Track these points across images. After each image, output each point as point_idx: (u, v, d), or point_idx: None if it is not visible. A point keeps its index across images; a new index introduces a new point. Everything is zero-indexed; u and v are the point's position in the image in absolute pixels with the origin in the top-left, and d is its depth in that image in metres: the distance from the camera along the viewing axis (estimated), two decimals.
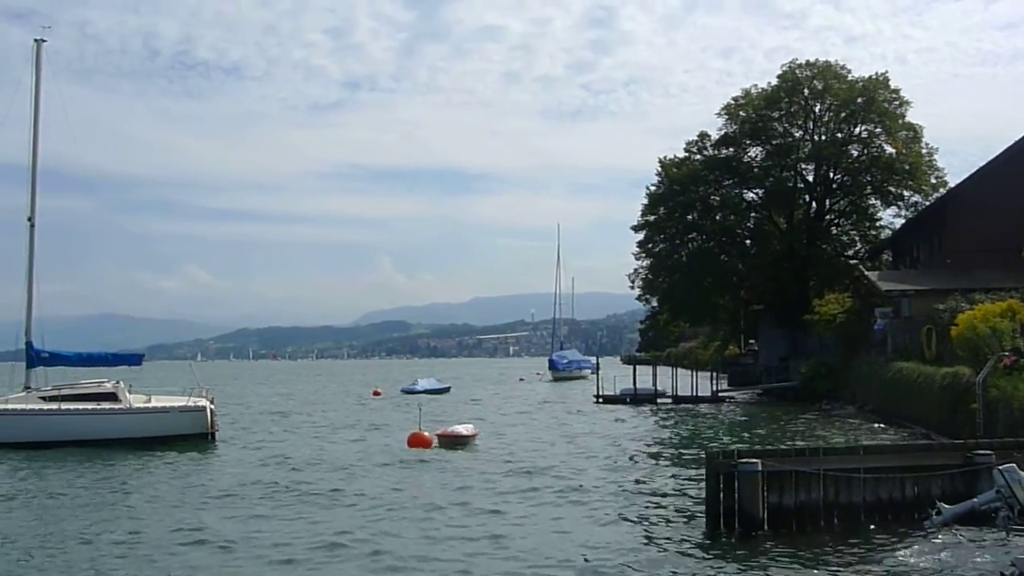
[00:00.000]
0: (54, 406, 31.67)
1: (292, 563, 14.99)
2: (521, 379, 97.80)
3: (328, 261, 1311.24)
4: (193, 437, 32.29)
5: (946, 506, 15.76)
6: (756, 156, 62.31)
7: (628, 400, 53.04)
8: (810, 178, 61.66)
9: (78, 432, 31.10)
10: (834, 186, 61.29)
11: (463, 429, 32.48)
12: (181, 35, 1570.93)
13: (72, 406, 31.74)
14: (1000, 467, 15.15)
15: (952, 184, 53.00)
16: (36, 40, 34.20)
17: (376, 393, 69.60)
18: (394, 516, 18.81)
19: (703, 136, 63.08)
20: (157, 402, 33.94)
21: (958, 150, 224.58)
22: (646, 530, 17.17)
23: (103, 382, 33.46)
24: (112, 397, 32.45)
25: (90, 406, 31.98)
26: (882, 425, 34.80)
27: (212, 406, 33.86)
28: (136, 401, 33.20)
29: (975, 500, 15.71)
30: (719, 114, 62.06)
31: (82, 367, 35.77)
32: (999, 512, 15.06)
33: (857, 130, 59.87)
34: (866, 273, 50.85)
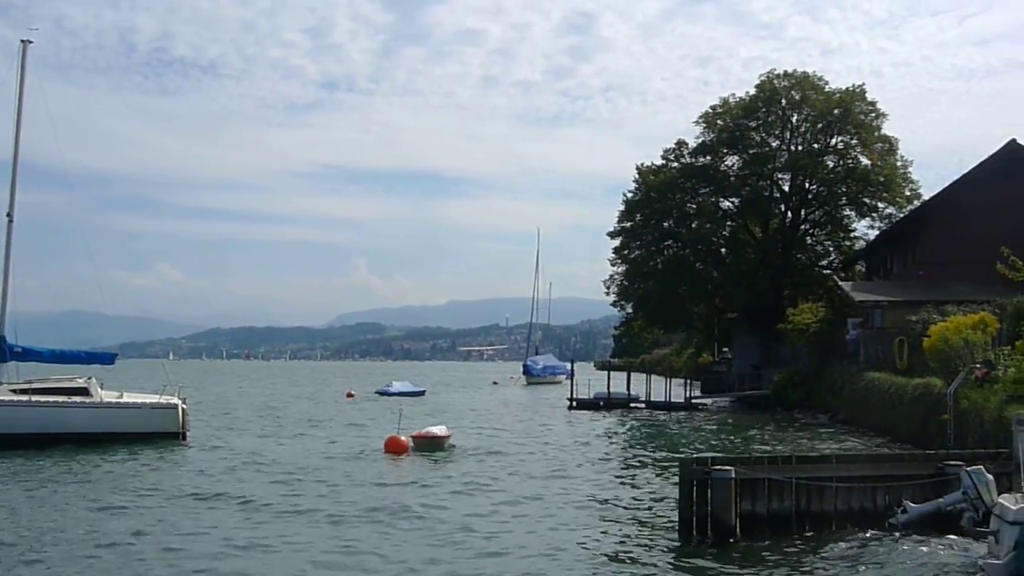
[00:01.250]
0: (24, 398, 31.39)
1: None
2: (495, 383, 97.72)
3: (303, 262, 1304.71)
4: (164, 435, 32.13)
5: (912, 504, 15.97)
6: (733, 165, 62.71)
7: (601, 405, 53.10)
8: (786, 188, 62.08)
9: (48, 425, 30.81)
10: (810, 196, 61.69)
11: (437, 430, 32.47)
12: (158, 31, 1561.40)
13: (43, 399, 31.49)
14: (967, 468, 15.27)
15: (926, 197, 53.51)
16: (23, 41, 34.10)
17: (350, 395, 69.32)
18: (365, 523, 18.74)
19: (680, 144, 63.36)
20: (129, 399, 33.71)
21: (932, 163, 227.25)
22: (618, 536, 17.17)
23: (75, 377, 33.20)
24: (83, 392, 32.21)
25: (61, 399, 31.75)
26: (854, 435, 35.00)
27: (184, 405, 33.71)
28: (108, 398, 32.97)
29: (941, 500, 15.89)
30: (697, 122, 62.42)
31: (55, 364, 35.43)
32: (964, 513, 15.18)
33: (833, 141, 60.34)
34: (840, 283, 51.21)
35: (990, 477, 14.92)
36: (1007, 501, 12.81)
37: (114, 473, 25.34)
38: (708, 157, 62.29)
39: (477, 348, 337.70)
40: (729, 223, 64.34)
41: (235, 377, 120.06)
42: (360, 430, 38.81)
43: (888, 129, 60.01)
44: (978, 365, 26.13)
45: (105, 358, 36.58)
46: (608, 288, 66.83)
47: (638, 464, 28.29)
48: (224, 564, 14.88)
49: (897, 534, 15.74)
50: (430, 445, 30.77)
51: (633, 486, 23.59)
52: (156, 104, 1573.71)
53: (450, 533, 17.29)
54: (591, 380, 61.37)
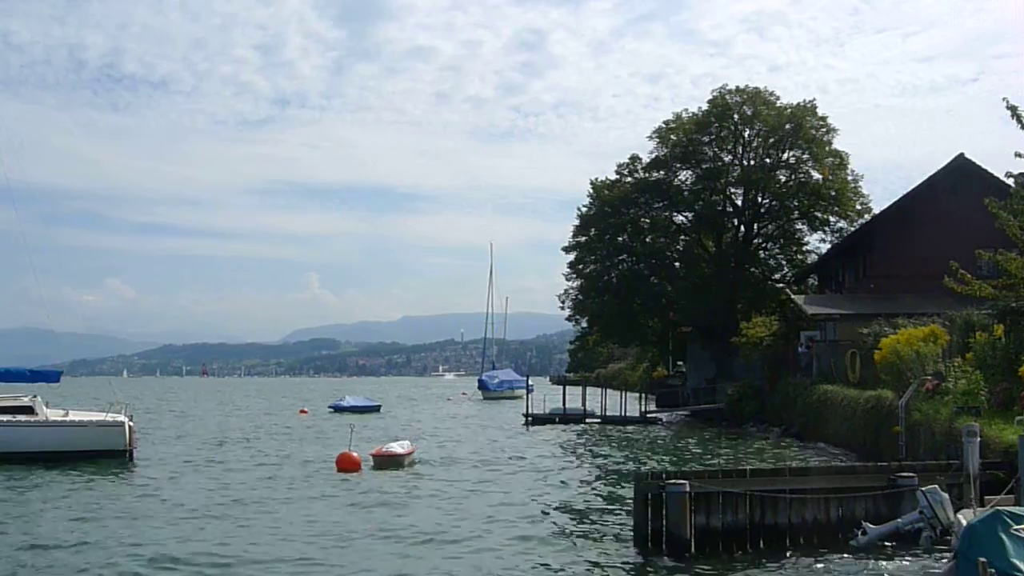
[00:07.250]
0: None
1: None
2: (449, 399, 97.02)
3: (256, 277, 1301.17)
4: (111, 454, 31.50)
5: (871, 526, 15.95)
6: (686, 179, 62.91)
7: (557, 420, 52.91)
8: (739, 202, 62.39)
9: None
10: (762, 210, 62.02)
11: (398, 447, 31.52)
12: (108, 48, 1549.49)
13: None
14: (923, 488, 15.31)
15: (876, 211, 54.02)
16: None
17: (303, 412, 68.36)
18: (314, 543, 18.44)
19: (634, 159, 63.52)
20: (75, 417, 33.07)
21: (879, 178, 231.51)
22: (574, 551, 17.02)
23: (19, 396, 32.53)
24: (28, 411, 31.59)
25: (5, 418, 31.08)
26: (807, 447, 35.12)
27: (131, 423, 33.09)
28: (53, 416, 32.35)
29: (899, 520, 15.88)
30: (650, 137, 62.61)
31: None
32: (922, 532, 15.21)
33: (785, 156, 60.65)
34: (792, 297, 51.53)
35: (945, 496, 14.96)
36: (964, 518, 12.85)
37: (48, 493, 24.70)
38: (661, 172, 62.48)
39: (438, 373, 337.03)
40: (683, 237, 64.64)
41: (191, 394, 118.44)
42: (312, 449, 38.18)
43: (836, 144, 60.58)
44: (929, 377, 26.28)
45: (50, 376, 35.81)
46: (563, 303, 66.94)
47: (593, 479, 28.17)
48: None
49: (858, 550, 15.73)
50: (390, 463, 30.02)
51: (588, 501, 23.45)
52: (107, 120, 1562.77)
53: (404, 547, 17.06)
54: (547, 395, 61.19)
